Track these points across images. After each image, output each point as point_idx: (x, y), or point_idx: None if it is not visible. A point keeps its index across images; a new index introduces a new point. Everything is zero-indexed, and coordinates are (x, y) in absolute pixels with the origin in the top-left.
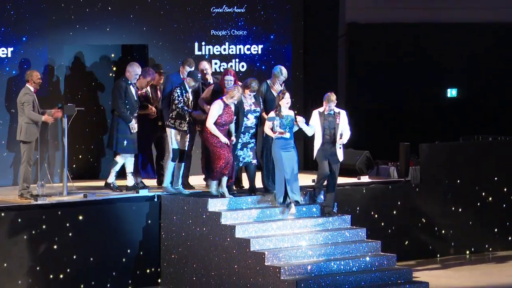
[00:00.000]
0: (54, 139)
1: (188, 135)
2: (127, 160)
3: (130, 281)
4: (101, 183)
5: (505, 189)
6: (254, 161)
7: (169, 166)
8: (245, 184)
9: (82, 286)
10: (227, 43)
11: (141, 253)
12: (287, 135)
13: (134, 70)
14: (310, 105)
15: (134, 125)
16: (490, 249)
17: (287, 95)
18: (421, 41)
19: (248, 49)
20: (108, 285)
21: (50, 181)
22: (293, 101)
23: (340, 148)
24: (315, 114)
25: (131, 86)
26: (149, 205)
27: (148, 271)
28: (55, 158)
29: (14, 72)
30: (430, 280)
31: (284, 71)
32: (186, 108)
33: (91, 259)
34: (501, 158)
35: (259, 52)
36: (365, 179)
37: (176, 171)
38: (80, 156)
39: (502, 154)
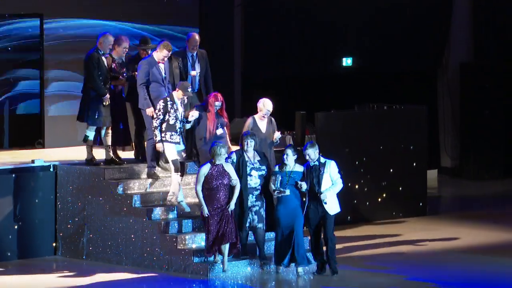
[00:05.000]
0: None
1: (183, 146)
2: (92, 133)
3: (26, 252)
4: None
5: (400, 158)
6: (261, 225)
7: (174, 179)
8: None
9: None
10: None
11: (37, 223)
12: (287, 192)
13: (109, 41)
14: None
15: (107, 97)
16: (377, 216)
17: (290, 152)
18: (317, 10)
19: None
20: (4, 257)
21: None
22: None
23: (325, 203)
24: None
25: (103, 57)
26: (44, 175)
27: (44, 241)
28: None
29: None
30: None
31: (268, 103)
32: (177, 119)
33: None
34: (395, 126)
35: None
36: None
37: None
38: None
39: (396, 122)
